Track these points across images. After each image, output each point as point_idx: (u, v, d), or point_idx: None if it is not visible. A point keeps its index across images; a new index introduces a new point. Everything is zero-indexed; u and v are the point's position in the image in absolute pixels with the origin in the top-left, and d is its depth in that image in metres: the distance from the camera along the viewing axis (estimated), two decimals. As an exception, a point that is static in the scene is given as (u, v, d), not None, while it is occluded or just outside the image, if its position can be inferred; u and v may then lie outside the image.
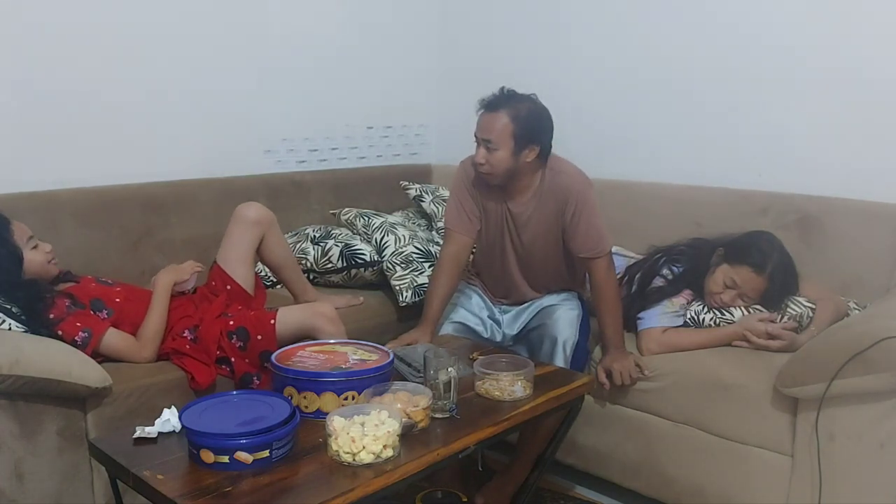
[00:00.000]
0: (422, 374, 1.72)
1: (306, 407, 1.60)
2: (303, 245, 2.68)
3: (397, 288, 2.52)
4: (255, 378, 2.03)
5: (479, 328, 2.28)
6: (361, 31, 3.20)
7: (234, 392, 1.65)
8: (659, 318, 2.17)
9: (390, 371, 1.71)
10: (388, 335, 2.20)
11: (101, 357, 1.90)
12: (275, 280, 2.60)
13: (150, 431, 1.49)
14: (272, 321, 2.03)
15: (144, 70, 2.54)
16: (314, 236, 2.71)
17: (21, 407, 1.69)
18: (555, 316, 2.20)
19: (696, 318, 2.18)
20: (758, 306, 2.14)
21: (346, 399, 1.61)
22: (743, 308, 2.15)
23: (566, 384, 1.84)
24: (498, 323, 2.31)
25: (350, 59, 3.16)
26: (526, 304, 2.29)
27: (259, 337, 2.02)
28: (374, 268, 2.63)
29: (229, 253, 2.23)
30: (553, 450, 1.98)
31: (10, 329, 1.82)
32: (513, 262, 2.23)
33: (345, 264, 2.63)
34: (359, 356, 1.74)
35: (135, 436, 1.48)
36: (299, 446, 1.47)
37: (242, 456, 1.37)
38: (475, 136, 2.06)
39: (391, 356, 1.73)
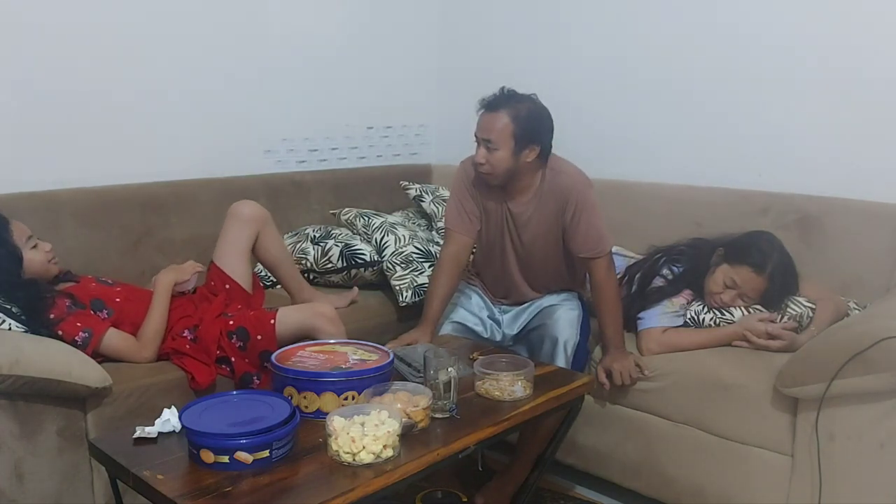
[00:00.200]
0: (422, 374, 1.72)
1: (306, 407, 1.60)
2: (303, 245, 2.68)
3: (397, 288, 2.52)
4: (255, 378, 2.04)
5: (479, 328, 2.28)
6: (361, 31, 3.20)
7: (234, 392, 1.64)
8: (659, 318, 2.18)
9: (390, 371, 1.71)
10: (388, 335, 2.19)
11: (101, 357, 1.90)
12: (274, 280, 2.60)
13: (150, 431, 1.49)
14: (272, 321, 2.03)
15: (144, 70, 2.54)
16: (314, 236, 2.71)
17: (21, 407, 1.69)
18: (555, 316, 2.20)
19: (696, 318, 2.18)
20: (758, 306, 2.14)
21: (346, 399, 1.61)
22: (743, 308, 2.15)
23: (566, 384, 1.84)
24: (498, 323, 2.31)
25: (350, 58, 3.16)
26: (526, 304, 2.29)
27: (259, 337, 2.02)
28: (374, 268, 2.63)
29: (225, 251, 2.23)
30: (553, 450, 1.98)
31: (10, 329, 1.82)
32: (513, 262, 2.23)
33: (345, 264, 2.63)
34: (359, 356, 1.74)
35: (135, 436, 1.48)
36: (299, 446, 1.47)
37: (242, 456, 1.37)
38: (475, 136, 2.06)
39: (391, 356, 1.73)
